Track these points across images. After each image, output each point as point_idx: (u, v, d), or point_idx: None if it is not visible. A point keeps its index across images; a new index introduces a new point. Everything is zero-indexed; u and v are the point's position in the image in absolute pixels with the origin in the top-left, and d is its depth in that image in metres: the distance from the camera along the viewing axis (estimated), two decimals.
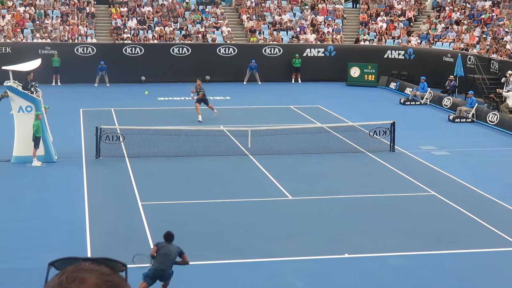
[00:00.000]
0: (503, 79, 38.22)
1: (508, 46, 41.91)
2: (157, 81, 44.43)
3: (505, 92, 36.68)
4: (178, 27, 48.79)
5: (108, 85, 43.52)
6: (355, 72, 46.36)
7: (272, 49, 47.11)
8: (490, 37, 44.88)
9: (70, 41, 46.03)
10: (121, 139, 27.64)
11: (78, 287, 2.23)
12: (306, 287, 15.33)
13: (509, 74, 37.58)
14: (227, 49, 46.47)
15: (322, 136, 29.99)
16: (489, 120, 34.26)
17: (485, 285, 15.67)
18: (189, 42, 47.01)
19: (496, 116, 34.09)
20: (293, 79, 46.97)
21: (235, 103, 38.75)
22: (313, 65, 46.93)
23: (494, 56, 41.55)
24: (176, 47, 45.86)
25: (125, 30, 47.66)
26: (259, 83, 45.57)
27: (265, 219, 19.90)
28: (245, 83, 45.71)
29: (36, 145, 25.00)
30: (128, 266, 2.45)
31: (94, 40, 46.38)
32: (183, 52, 45.78)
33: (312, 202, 21.59)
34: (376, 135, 29.08)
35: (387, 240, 18.33)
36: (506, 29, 44.65)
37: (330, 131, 30.71)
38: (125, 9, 49.47)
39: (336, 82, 45.90)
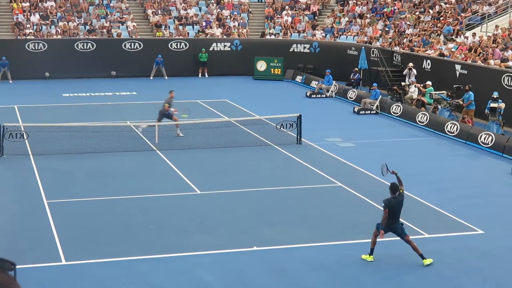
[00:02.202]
0: (405, 71, 39.04)
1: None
2: (62, 77, 43.71)
3: (408, 84, 37.46)
4: (82, 22, 48.04)
5: (11, 81, 42.54)
6: (261, 66, 46.61)
7: (179, 43, 46.92)
8: (393, 30, 45.78)
9: None
10: (25, 137, 27.07)
11: None
12: (216, 281, 15.32)
13: (411, 66, 38.41)
14: (132, 44, 46.04)
15: (230, 130, 30.05)
16: (393, 112, 34.96)
17: (392, 272, 15.96)
18: (94, 37, 46.38)
19: (399, 108, 34.80)
20: (200, 74, 46.90)
21: (142, 98, 38.44)
22: (219, 59, 46.98)
23: (396, 48, 42.40)
24: (80, 43, 45.17)
25: (28, 26, 46.64)
26: (166, 78, 45.32)
27: (174, 214, 19.81)
28: (151, 78, 45.38)
29: None
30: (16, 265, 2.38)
31: None
32: (88, 48, 45.13)
33: (221, 196, 21.60)
34: (283, 128, 29.32)
35: (295, 232, 18.47)
36: (408, 22, 45.61)
37: (237, 125, 30.81)
38: (27, 4, 48.42)
39: (243, 76, 46.10)
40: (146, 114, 32.87)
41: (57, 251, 16.70)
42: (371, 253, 16.45)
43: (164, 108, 28.92)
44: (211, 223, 19.06)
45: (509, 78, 32.16)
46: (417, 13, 46.49)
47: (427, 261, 16.20)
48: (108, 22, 48.25)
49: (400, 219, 16.56)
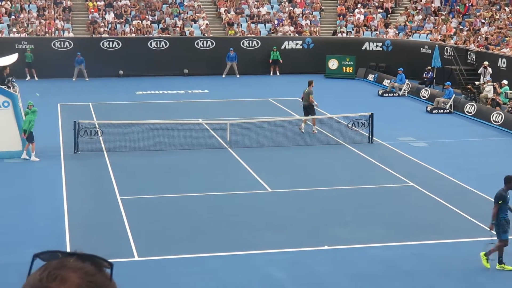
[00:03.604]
0: (480, 70, 38.41)
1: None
2: (135, 74, 44.27)
3: (483, 82, 36.84)
4: (156, 20, 48.61)
5: (87, 79, 43.28)
6: (333, 64, 46.44)
7: (250, 42, 47.07)
8: (467, 28, 45.09)
9: (47, 35, 45.74)
10: (99, 134, 27.52)
11: (59, 287, 2.15)
12: (288, 278, 15.35)
13: (486, 64, 37.77)
14: (205, 42, 46.36)
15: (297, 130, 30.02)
16: (467, 111, 34.43)
17: (465, 274, 15.76)
18: (167, 35, 46.87)
19: (473, 107, 34.26)
20: (271, 72, 46.95)
21: (214, 96, 38.70)
22: (291, 57, 46.94)
23: (471, 47, 41.75)
24: (154, 41, 45.70)
25: (102, 24, 47.42)
26: (238, 76, 45.51)
27: (244, 211, 19.90)
28: (224, 76, 45.60)
29: (33, 140, 24.93)
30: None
31: (71, 34, 46.10)
32: (161, 46, 45.64)
33: (292, 194, 21.60)
34: (355, 127, 29.15)
35: (367, 231, 18.38)
36: (483, 20, 44.86)
37: (308, 123, 30.72)
38: (102, 2, 49.19)
39: (315, 74, 45.87)
40: (217, 112, 33.09)
41: (130, 247, 16.94)
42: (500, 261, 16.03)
43: (309, 100, 29.60)
44: (281, 221, 19.08)
45: None
46: (493, 9, 45.69)
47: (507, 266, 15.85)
48: (181, 21, 48.70)
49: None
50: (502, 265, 15.86)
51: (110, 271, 2.29)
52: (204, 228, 18.44)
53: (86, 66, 43.45)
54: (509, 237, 15.91)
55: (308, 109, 30.00)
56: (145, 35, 46.79)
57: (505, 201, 15.75)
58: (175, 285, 15.12)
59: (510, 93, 34.22)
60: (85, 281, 2.17)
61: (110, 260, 2.25)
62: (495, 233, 15.88)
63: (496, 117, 32.18)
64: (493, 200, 16.07)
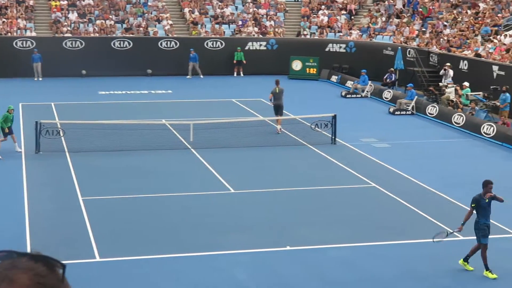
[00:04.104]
0: (441, 72, 38.76)
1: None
2: (98, 74, 43.97)
3: (445, 84, 37.16)
4: (119, 20, 48.35)
5: (40, 79, 42.74)
6: (297, 65, 46.55)
7: (214, 42, 47.01)
8: (430, 31, 45.47)
9: (9, 34, 45.26)
10: (61, 134, 27.31)
11: None
12: (250, 279, 15.35)
13: (448, 66, 38.12)
14: (168, 42, 46.22)
15: (264, 129, 30.08)
16: (429, 113, 34.72)
17: (427, 275, 15.87)
18: (131, 35, 46.64)
19: (435, 109, 34.55)
20: (235, 73, 46.94)
21: (177, 97, 38.58)
22: (255, 58, 46.96)
23: (433, 49, 42.11)
24: (117, 41, 45.46)
25: (65, 24, 47.05)
26: (201, 76, 45.40)
27: (208, 212, 19.86)
28: (189, 77, 45.38)
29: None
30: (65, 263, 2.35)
31: (34, 34, 45.68)
32: (124, 46, 45.41)
33: (255, 195, 21.62)
34: (318, 128, 29.25)
35: (329, 231, 18.45)
36: (445, 22, 45.27)
37: (272, 124, 30.79)
38: (65, 2, 48.81)
39: (278, 75, 45.89)
40: (181, 113, 33.02)
41: (91, 248, 16.83)
42: (487, 268, 15.98)
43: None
44: (245, 222, 19.09)
45: None
46: (455, 12, 46.13)
47: (490, 274, 15.92)
48: (145, 21, 48.50)
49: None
50: (466, 263, 16.00)
51: (63, 272, 2.27)
52: (167, 229, 18.38)
53: (48, 65, 43.02)
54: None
55: (279, 109, 30.13)
56: (109, 35, 46.52)
57: (478, 205, 15.81)
58: (137, 286, 15.04)
59: (471, 95, 34.57)
60: (34, 282, 2.14)
61: (64, 262, 2.22)
62: (456, 234, 16.04)
63: (457, 118, 32.49)
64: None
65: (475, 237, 16.09)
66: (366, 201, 21.34)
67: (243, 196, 21.49)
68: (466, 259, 16.04)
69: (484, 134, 30.24)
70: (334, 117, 28.53)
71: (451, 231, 16.42)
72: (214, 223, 18.97)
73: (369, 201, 21.30)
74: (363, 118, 34.32)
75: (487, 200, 15.85)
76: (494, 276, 15.70)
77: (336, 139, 28.42)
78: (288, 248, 17.16)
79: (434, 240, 16.29)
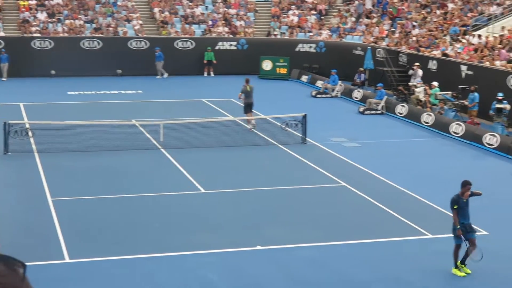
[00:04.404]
0: (410, 72, 39.00)
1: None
2: (67, 75, 43.70)
3: (414, 84, 37.37)
4: (89, 19, 48.08)
5: (4, 79, 42.39)
6: (267, 65, 46.60)
7: (185, 42, 46.90)
8: (399, 31, 45.72)
9: None
10: (30, 134, 27.10)
11: None
12: (220, 280, 15.33)
13: (416, 66, 38.36)
14: (138, 42, 46.04)
15: (235, 129, 30.07)
16: (398, 112, 34.91)
17: (397, 274, 15.95)
18: (100, 35, 46.39)
19: (404, 108, 34.76)
20: (205, 73, 46.87)
21: (147, 97, 38.46)
22: (225, 58, 46.93)
23: (402, 49, 42.35)
24: (86, 41, 45.20)
25: (34, 23, 46.69)
26: (165, 76, 45.04)
27: (178, 212, 19.81)
28: (158, 77, 45.23)
29: None
30: (27, 264, 2.33)
31: (2, 34, 45.27)
32: (94, 46, 45.16)
33: (225, 195, 21.60)
34: (288, 127, 29.30)
35: (300, 231, 18.47)
36: (414, 23, 45.54)
37: (242, 124, 30.81)
38: (34, 1, 48.45)
39: (249, 75, 45.91)
40: (151, 113, 32.93)
41: (60, 249, 16.71)
42: (456, 266, 15.97)
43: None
44: (215, 222, 19.06)
45: None
46: (424, 12, 46.43)
47: (459, 272, 15.89)
48: (115, 20, 48.27)
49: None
50: (463, 265, 15.88)
51: (23, 272, 2.25)
52: (137, 230, 18.30)
53: (17, 65, 42.70)
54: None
55: (250, 107, 30.54)
56: (78, 35, 46.23)
57: (459, 205, 15.79)
58: (107, 287, 14.96)
59: (440, 94, 34.81)
60: None
61: (34, 263, 2.21)
62: (463, 237, 15.77)
63: (426, 118, 32.70)
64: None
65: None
66: (337, 200, 21.40)
67: (213, 196, 21.47)
68: (463, 262, 15.94)
69: (453, 133, 30.48)
70: (305, 116, 28.60)
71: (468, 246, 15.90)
72: (184, 223, 18.93)
73: (339, 201, 21.36)
74: (333, 117, 34.44)
75: (465, 200, 15.83)
76: (463, 274, 15.79)
77: (307, 138, 28.49)
78: (258, 247, 17.16)
79: (478, 259, 15.70)
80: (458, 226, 15.72)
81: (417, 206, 20.88)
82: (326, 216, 19.77)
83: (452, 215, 15.93)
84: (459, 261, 15.95)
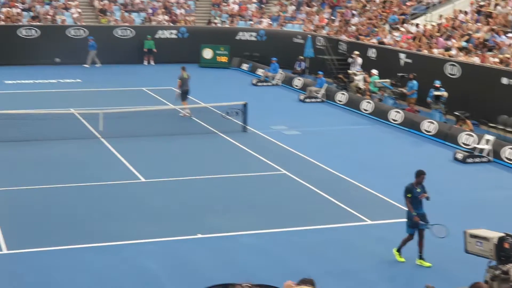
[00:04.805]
0: (349, 60, 39.27)
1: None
2: (4, 63, 42.93)
3: (354, 72, 37.63)
4: (26, 7, 47.26)
5: None
6: (207, 53, 46.45)
7: (124, 30, 46.45)
8: (339, 19, 45.97)
9: None
10: None
11: None
12: (160, 268, 15.24)
13: (356, 54, 38.63)
14: (77, 30, 45.43)
15: (175, 118, 29.94)
16: (338, 100, 35.13)
17: (337, 259, 16.05)
18: (38, 23, 45.65)
19: (344, 96, 34.99)
20: (145, 61, 46.52)
21: (86, 86, 38.01)
22: (165, 47, 46.63)
23: (342, 37, 42.59)
24: (24, 29, 44.43)
25: None
26: (97, 65, 44.49)
27: (118, 202, 19.63)
28: (98, 65, 44.73)
29: None
30: None
31: None
32: (31, 34, 44.41)
33: (166, 184, 21.48)
34: (229, 116, 29.26)
35: (241, 219, 18.47)
36: (354, 11, 45.84)
37: (183, 112, 30.70)
38: None
39: (189, 63, 45.74)
40: (90, 102, 32.58)
41: None
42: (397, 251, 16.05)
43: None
44: (155, 211, 18.94)
45: (452, 67, 32.53)
46: (363, 0, 46.75)
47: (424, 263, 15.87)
48: (53, 9, 47.55)
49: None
50: (421, 260, 15.91)
51: None
52: (76, 220, 18.08)
53: None
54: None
55: (187, 94, 30.81)
56: (15, 23, 45.41)
57: (413, 194, 15.76)
58: (46, 278, 14.75)
59: (379, 82, 35.12)
60: None
61: None
62: (423, 222, 15.70)
63: (366, 105, 32.99)
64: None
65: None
66: (277, 188, 21.45)
67: (153, 185, 21.33)
68: (420, 257, 15.98)
69: (392, 121, 30.80)
70: (245, 105, 28.61)
71: (423, 224, 15.78)
72: (124, 212, 18.77)
73: (279, 188, 21.41)
74: (274, 105, 34.50)
75: (418, 190, 15.81)
76: (402, 259, 15.93)
77: (247, 127, 28.50)
78: (199, 236, 17.11)
79: (442, 237, 15.58)
80: (415, 213, 15.69)
81: (356, 192, 21.05)
82: (266, 204, 19.81)
83: (407, 204, 15.88)
84: (395, 248, 16.08)
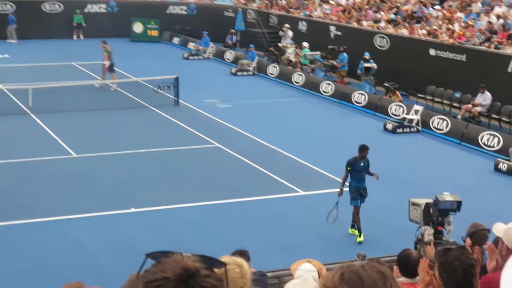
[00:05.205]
0: (280, 33, 39.34)
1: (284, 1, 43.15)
2: None
3: (284, 45, 37.73)
4: None
5: None
6: (138, 27, 46.00)
7: (52, 4, 45.61)
8: None
9: None
10: None
11: None
12: (95, 242, 15.16)
13: (286, 27, 38.71)
14: (3, 5, 44.41)
15: (106, 93, 29.64)
16: (269, 73, 35.23)
17: (270, 231, 16.17)
18: None
19: (276, 69, 35.09)
20: (75, 36, 45.83)
21: (14, 61, 37.26)
22: (95, 21, 45.97)
23: (272, 10, 42.62)
24: None
25: None
26: (15, 41, 43.67)
27: (49, 178, 19.38)
28: (15, 41, 43.69)
29: None
30: None
31: None
32: None
33: (98, 158, 21.28)
34: (161, 90, 29.08)
35: (175, 192, 18.44)
36: None
37: (114, 87, 30.41)
38: None
39: (120, 38, 45.27)
40: (18, 77, 31.95)
41: None
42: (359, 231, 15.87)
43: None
44: (87, 186, 18.78)
45: (381, 39, 32.88)
46: None
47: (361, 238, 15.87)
48: None
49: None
50: (353, 229, 16.07)
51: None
52: (8, 196, 17.82)
53: None
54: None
55: (112, 67, 30.83)
56: None
57: (353, 168, 15.80)
58: None
59: (310, 54, 35.31)
60: None
61: None
62: (337, 200, 15.90)
63: (297, 78, 33.15)
64: None
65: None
66: (210, 161, 21.45)
67: (85, 160, 21.11)
68: (352, 226, 16.09)
69: (323, 93, 31.03)
70: (177, 78, 28.48)
71: (336, 201, 15.98)
72: (56, 188, 18.55)
73: (213, 161, 21.42)
74: (206, 79, 34.40)
75: (362, 164, 15.88)
76: (361, 239, 15.73)
77: (179, 100, 28.40)
78: (132, 210, 17.05)
79: (330, 222, 15.83)
80: (342, 187, 15.88)
81: (289, 164, 21.19)
82: (200, 177, 19.81)
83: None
84: (350, 227, 16.07)
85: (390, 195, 18.30)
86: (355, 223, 15.97)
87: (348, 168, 15.88)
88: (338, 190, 16.07)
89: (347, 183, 15.98)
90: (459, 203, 11.57)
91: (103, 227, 16.04)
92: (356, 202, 15.90)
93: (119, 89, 30.28)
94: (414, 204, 12.03)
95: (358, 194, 15.84)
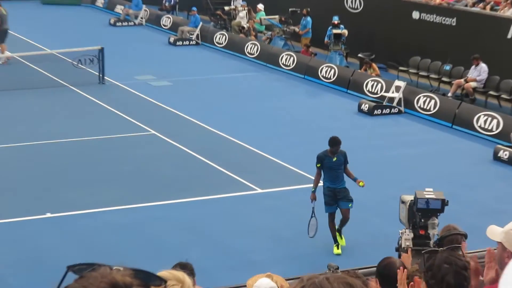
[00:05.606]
0: None
1: None
2: None
3: (233, 8, 37.67)
4: None
5: None
6: None
7: None
8: None
9: None
10: None
11: None
12: (8, 253, 15.04)
13: None
14: None
15: (13, 69, 29.36)
16: (217, 42, 35.15)
17: (220, 235, 16.16)
18: None
19: (224, 37, 35.01)
20: None
21: None
22: None
23: None
24: None
25: None
26: None
27: None
28: None
29: None
30: None
31: None
32: None
33: (4, 152, 21.07)
34: (81, 64, 28.83)
35: (101, 192, 18.33)
36: None
37: (23, 61, 30.11)
38: None
39: (29, 1, 44.84)
40: None
41: None
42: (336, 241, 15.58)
43: None
44: None
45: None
46: None
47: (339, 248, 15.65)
48: None
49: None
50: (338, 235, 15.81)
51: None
52: None
53: None
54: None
55: (5, 35, 31.07)
56: None
57: (323, 164, 15.49)
58: None
59: (266, 19, 35.28)
60: None
61: None
62: (312, 206, 15.51)
63: (251, 48, 33.12)
64: None
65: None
66: (146, 152, 21.34)
67: None
68: (339, 231, 15.72)
69: (284, 66, 31.04)
70: (102, 50, 28.31)
71: (312, 207, 15.50)
72: None
73: (149, 153, 21.31)
74: (138, 51, 34.27)
75: (334, 159, 15.53)
76: (338, 251, 15.53)
77: (105, 77, 28.25)
78: (48, 215, 16.91)
79: (310, 235, 15.45)
80: (313, 189, 15.57)
81: (242, 155, 21.17)
82: (133, 172, 19.71)
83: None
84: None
85: (367, 191, 18.35)
86: (331, 231, 15.55)
87: (318, 165, 15.59)
88: (311, 193, 15.59)
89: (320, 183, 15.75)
90: (443, 202, 11.42)
91: (12, 237, 15.88)
92: (330, 208, 15.47)
93: (6, 61, 30.16)
94: (402, 202, 11.97)
95: (332, 198, 15.42)
